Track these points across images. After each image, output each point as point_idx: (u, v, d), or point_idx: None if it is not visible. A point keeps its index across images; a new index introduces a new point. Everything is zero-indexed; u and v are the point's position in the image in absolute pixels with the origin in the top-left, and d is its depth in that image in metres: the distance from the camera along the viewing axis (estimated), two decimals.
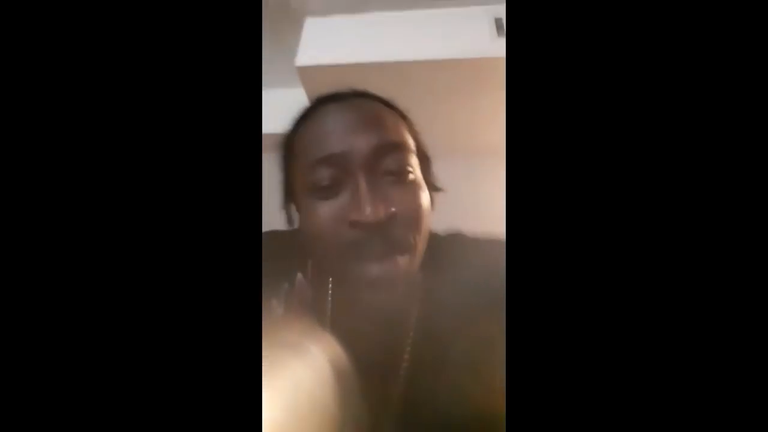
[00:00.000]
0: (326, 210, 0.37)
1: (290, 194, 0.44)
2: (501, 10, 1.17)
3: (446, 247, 0.43)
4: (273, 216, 0.43)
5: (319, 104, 0.43)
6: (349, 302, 0.39)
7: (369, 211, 0.34)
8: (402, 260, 0.36)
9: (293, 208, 0.44)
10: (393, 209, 0.36)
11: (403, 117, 0.44)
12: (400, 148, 0.39)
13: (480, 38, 1.14)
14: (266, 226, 0.39)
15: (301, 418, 0.27)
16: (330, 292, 0.42)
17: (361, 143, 0.37)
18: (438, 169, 0.46)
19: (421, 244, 0.38)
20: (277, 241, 0.45)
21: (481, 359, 0.36)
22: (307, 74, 1.25)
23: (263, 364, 0.23)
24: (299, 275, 0.40)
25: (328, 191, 0.37)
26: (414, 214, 0.38)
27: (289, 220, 0.45)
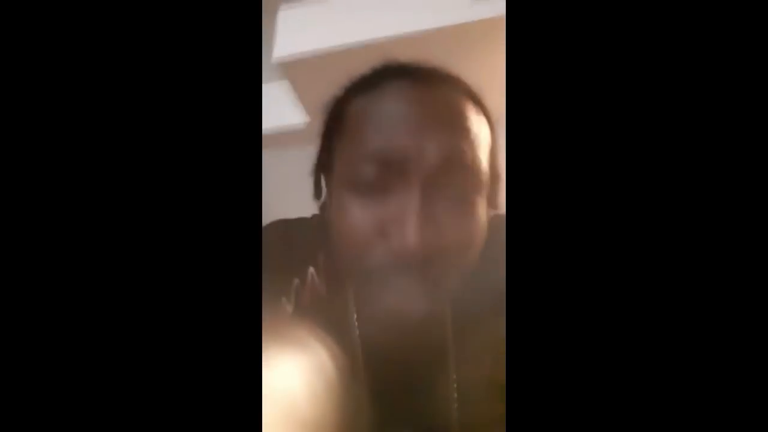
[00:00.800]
0: (363, 212, 0.31)
1: (327, 168, 0.36)
2: None
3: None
4: (273, 215, 0.41)
5: (383, 75, 0.34)
6: (371, 312, 0.35)
7: (413, 232, 0.28)
8: (433, 283, 0.30)
9: (323, 181, 0.37)
10: (442, 232, 0.29)
11: (487, 114, 0.35)
12: (473, 164, 0.31)
13: (458, 4, 1.11)
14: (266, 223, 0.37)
15: (303, 420, 0.27)
16: (352, 301, 0.37)
17: (429, 147, 0.30)
18: None
19: (461, 272, 0.33)
20: (286, 231, 0.40)
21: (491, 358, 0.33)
22: (289, 65, 1.23)
23: (266, 363, 0.23)
24: (311, 269, 0.36)
25: (372, 190, 0.31)
26: (464, 242, 0.31)
27: (317, 191, 0.37)
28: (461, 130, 0.32)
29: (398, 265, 0.30)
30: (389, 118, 0.31)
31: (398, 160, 0.30)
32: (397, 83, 0.33)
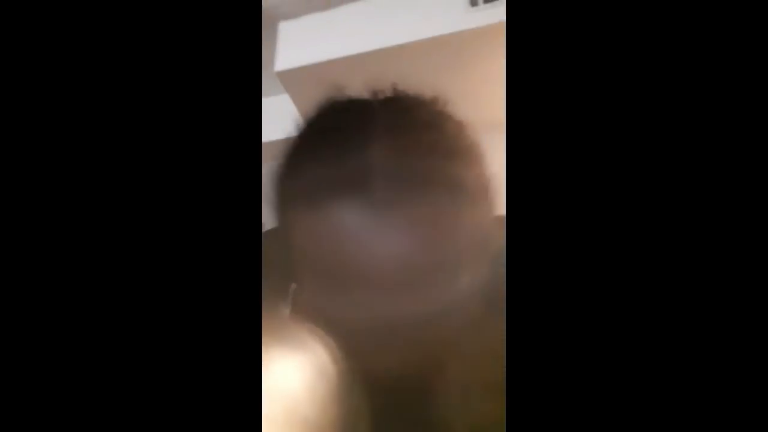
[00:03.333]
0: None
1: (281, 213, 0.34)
2: None
3: None
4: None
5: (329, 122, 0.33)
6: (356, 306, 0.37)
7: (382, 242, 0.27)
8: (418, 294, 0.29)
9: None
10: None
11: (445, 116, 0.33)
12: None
13: (455, 12, 1.13)
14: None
15: (304, 421, 0.26)
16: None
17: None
18: None
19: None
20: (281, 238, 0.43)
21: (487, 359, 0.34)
22: (288, 78, 1.24)
23: (265, 363, 0.23)
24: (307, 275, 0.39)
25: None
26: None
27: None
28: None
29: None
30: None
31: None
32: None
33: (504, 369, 0.21)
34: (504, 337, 0.21)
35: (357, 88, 0.38)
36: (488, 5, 1.08)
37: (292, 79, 1.22)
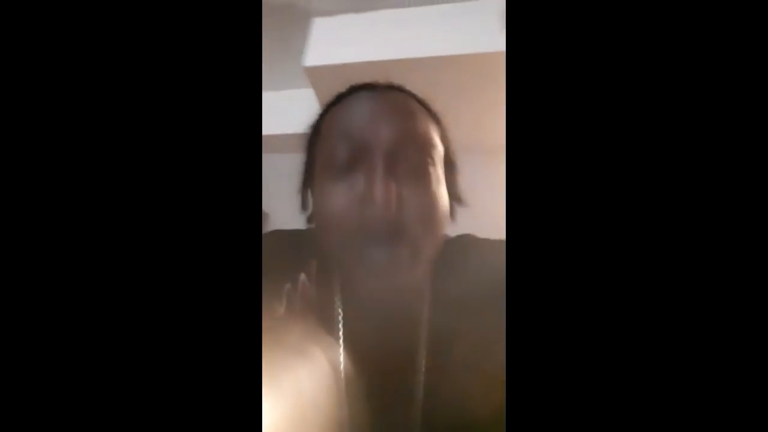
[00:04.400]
0: (340, 190, 0.37)
1: (309, 178, 0.44)
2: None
3: (455, 249, 0.43)
4: (274, 217, 0.43)
5: (351, 91, 0.43)
6: (357, 302, 0.39)
7: (380, 195, 0.34)
8: (405, 251, 0.36)
9: (309, 193, 0.44)
10: (404, 198, 0.36)
11: (436, 120, 0.43)
12: (424, 142, 0.38)
13: (487, 32, 1.13)
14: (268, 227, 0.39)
15: (303, 422, 0.27)
16: (338, 294, 0.41)
17: (385, 129, 0.37)
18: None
19: (429, 245, 0.38)
20: (280, 241, 0.45)
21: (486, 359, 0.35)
22: (314, 74, 1.25)
23: (264, 367, 0.23)
24: (302, 275, 0.39)
25: (345, 171, 0.37)
26: (426, 208, 0.37)
27: (304, 204, 0.45)
28: (411, 117, 0.39)
29: (374, 231, 0.35)
30: (352, 113, 0.40)
31: (360, 138, 0.37)
32: (360, 93, 0.42)
33: (502, 367, 0.22)
34: (500, 337, 0.22)
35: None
36: None
37: (317, 75, 1.23)
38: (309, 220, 0.44)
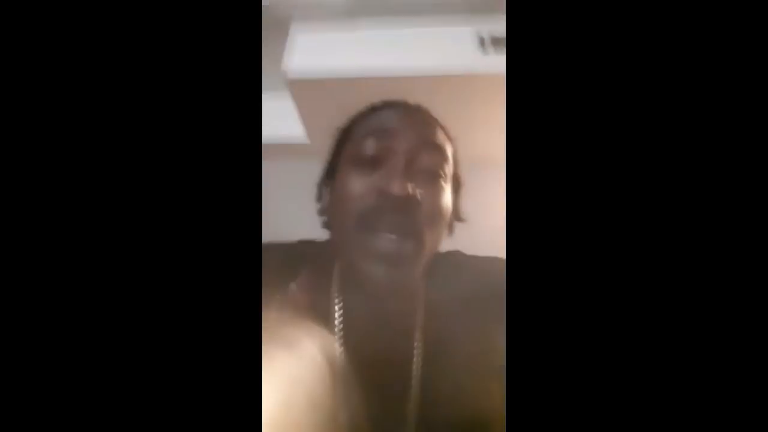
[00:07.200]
0: (361, 179, 0.41)
1: (331, 172, 0.48)
2: (494, 29, 1.20)
3: (445, 263, 0.46)
4: (274, 222, 0.44)
5: (383, 104, 0.49)
6: (356, 293, 0.41)
7: (398, 186, 0.38)
8: (410, 245, 0.39)
9: (327, 188, 0.48)
10: (419, 194, 0.39)
11: (450, 139, 0.48)
12: (442, 153, 0.44)
13: (470, 55, 1.16)
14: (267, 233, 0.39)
15: (299, 415, 0.27)
16: (337, 290, 0.43)
17: (409, 135, 0.42)
18: None
19: (432, 245, 0.41)
20: (274, 255, 0.45)
21: (482, 364, 0.38)
22: (297, 87, 1.25)
23: (264, 363, 0.24)
24: (291, 285, 0.41)
25: (369, 165, 0.41)
26: (434, 211, 0.41)
27: (320, 196, 0.49)
28: (432, 131, 0.45)
29: (386, 220, 0.39)
30: (383, 117, 0.45)
31: (389, 136, 0.42)
32: (390, 105, 0.48)
33: (502, 367, 0.22)
34: (504, 337, 0.23)
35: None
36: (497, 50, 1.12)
37: (300, 88, 1.23)
38: (321, 212, 0.48)
